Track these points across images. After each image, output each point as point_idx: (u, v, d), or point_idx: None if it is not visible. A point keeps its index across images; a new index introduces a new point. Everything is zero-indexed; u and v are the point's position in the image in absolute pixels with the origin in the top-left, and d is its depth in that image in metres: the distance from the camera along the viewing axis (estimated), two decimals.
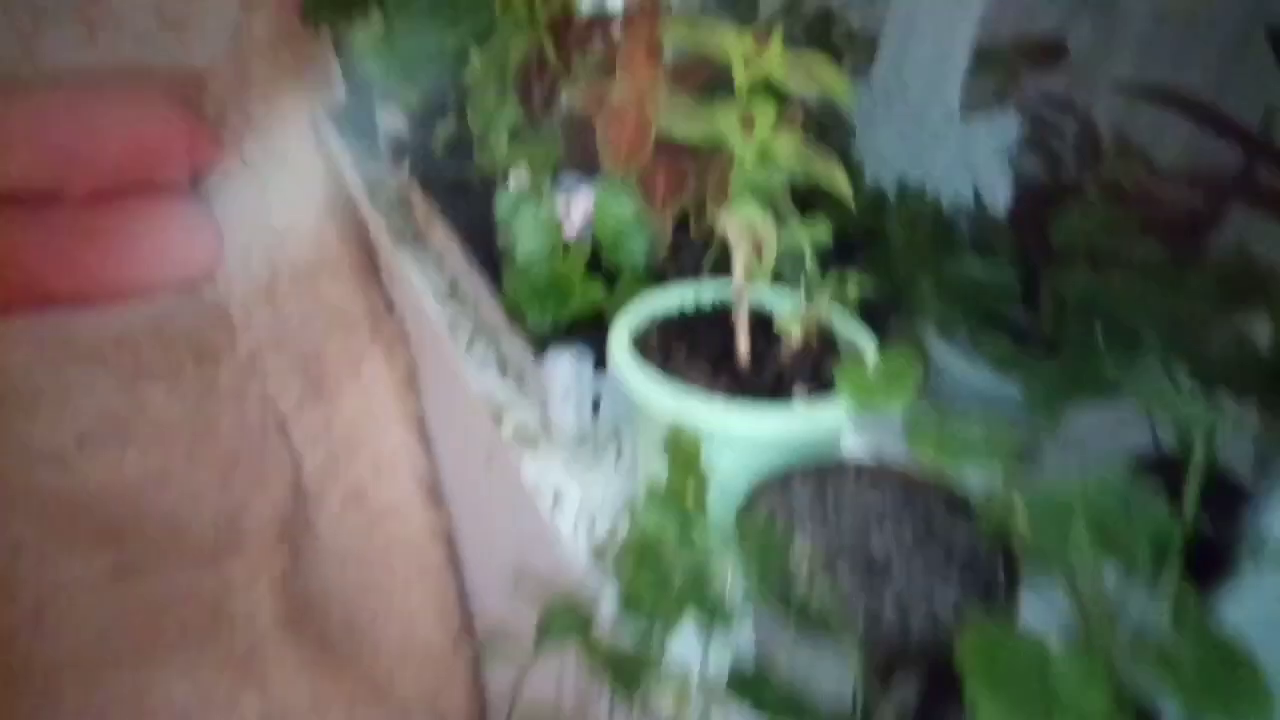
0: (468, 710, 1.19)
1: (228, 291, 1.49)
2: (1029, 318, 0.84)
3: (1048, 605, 0.48)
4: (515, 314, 0.81)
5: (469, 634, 1.22)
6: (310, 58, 1.44)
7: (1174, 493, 0.77)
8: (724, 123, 0.69)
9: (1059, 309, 0.83)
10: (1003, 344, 0.82)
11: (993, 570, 0.56)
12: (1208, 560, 0.67)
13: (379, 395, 1.32)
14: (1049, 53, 0.97)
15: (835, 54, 1.27)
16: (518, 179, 0.81)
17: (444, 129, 1.02)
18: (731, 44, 0.70)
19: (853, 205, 0.69)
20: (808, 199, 0.72)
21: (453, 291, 1.02)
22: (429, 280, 1.05)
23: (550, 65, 0.97)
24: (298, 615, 1.19)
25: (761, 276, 0.72)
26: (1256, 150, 1.00)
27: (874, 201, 0.90)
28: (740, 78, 0.68)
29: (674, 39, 0.73)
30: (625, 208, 0.76)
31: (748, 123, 0.69)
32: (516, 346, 0.83)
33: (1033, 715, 0.37)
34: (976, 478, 0.67)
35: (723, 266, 0.80)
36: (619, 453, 0.79)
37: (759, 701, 0.48)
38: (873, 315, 0.72)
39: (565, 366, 0.74)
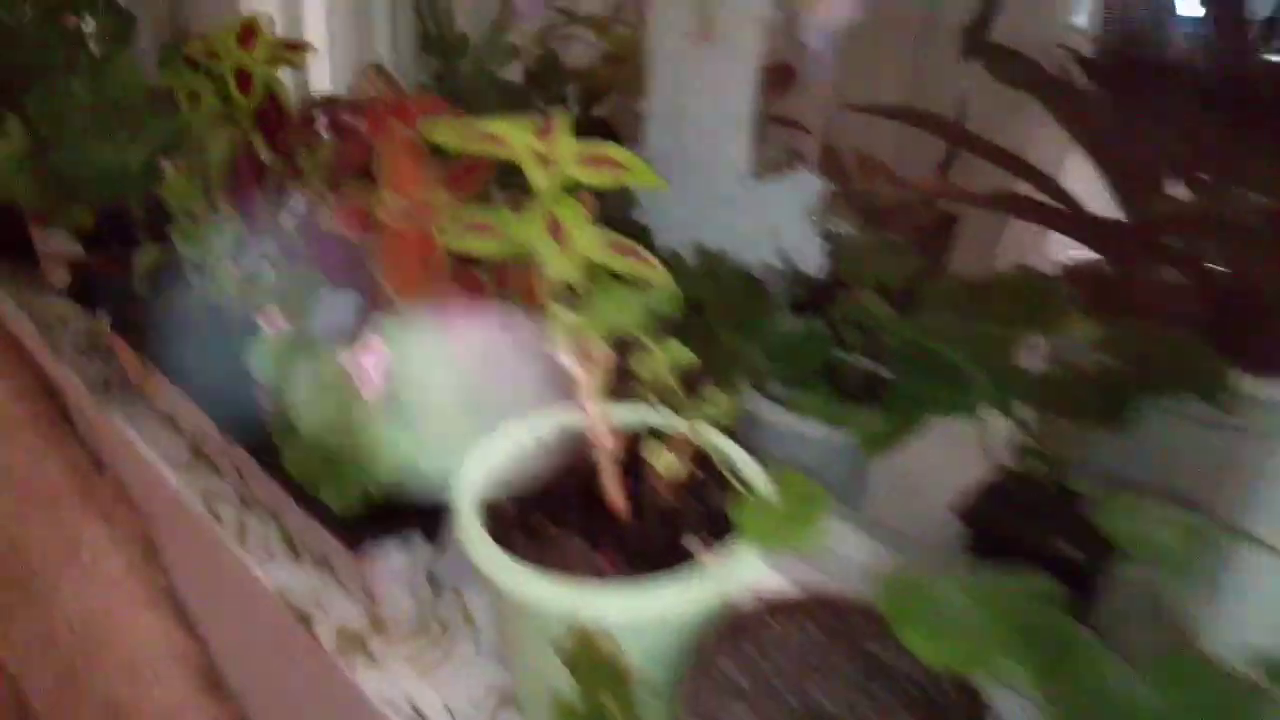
0: None
1: None
2: (845, 363, 0.82)
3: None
4: (304, 490, 0.66)
5: None
6: None
7: (1029, 510, 0.78)
8: (528, 232, 0.59)
9: (870, 349, 0.81)
10: (826, 397, 0.80)
11: (944, 695, 0.51)
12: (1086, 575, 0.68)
13: (111, 579, 1.06)
14: (780, 75, 0.96)
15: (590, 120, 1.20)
16: (271, 322, 0.65)
17: (145, 258, 0.82)
18: (516, 139, 0.60)
19: (678, 295, 0.62)
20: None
21: (197, 456, 0.83)
22: (159, 446, 0.84)
23: (268, 168, 0.81)
24: None
25: (599, 395, 0.63)
26: (962, 138, 1.06)
27: (672, 268, 0.84)
28: (539, 181, 0.58)
29: (441, 140, 0.61)
30: (425, 345, 0.63)
31: (554, 229, 0.59)
32: (311, 527, 0.68)
33: None
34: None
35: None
36: (477, 635, 0.66)
37: None
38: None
39: (396, 563, 0.60)
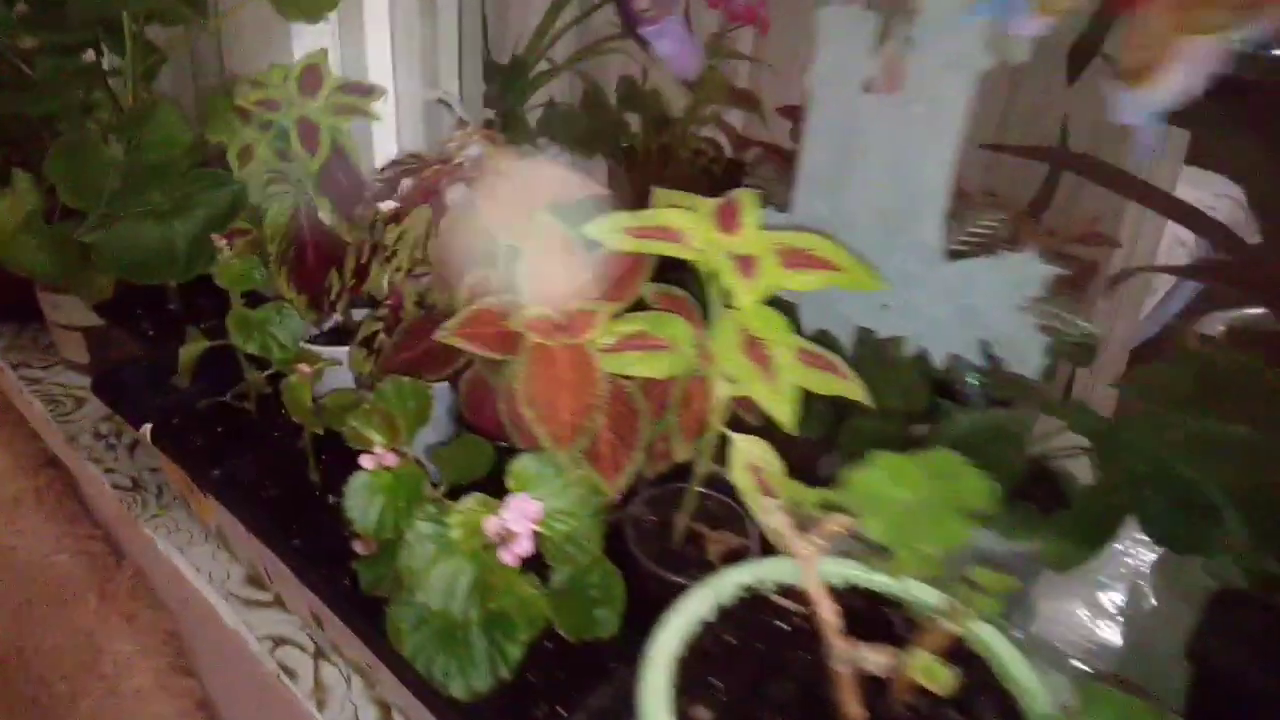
0: None
1: None
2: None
3: None
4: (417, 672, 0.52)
5: None
6: None
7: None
8: (721, 354, 0.46)
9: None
10: (1004, 504, 0.67)
11: None
12: None
13: (138, 694, 0.92)
14: None
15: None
16: (373, 455, 0.52)
17: (190, 349, 0.68)
18: (699, 234, 0.47)
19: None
20: None
21: (257, 587, 0.69)
22: (208, 570, 0.71)
23: (339, 241, 0.68)
24: None
25: (777, 536, 0.51)
26: (1117, 181, 0.94)
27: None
28: (741, 294, 0.45)
29: (602, 237, 0.48)
30: (572, 491, 0.49)
31: (753, 349, 0.46)
32: (419, 710, 0.54)
33: None
34: None
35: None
36: None
37: None
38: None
39: None
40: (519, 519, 0.45)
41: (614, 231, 0.46)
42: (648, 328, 0.49)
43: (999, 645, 0.44)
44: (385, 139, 0.82)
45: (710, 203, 0.50)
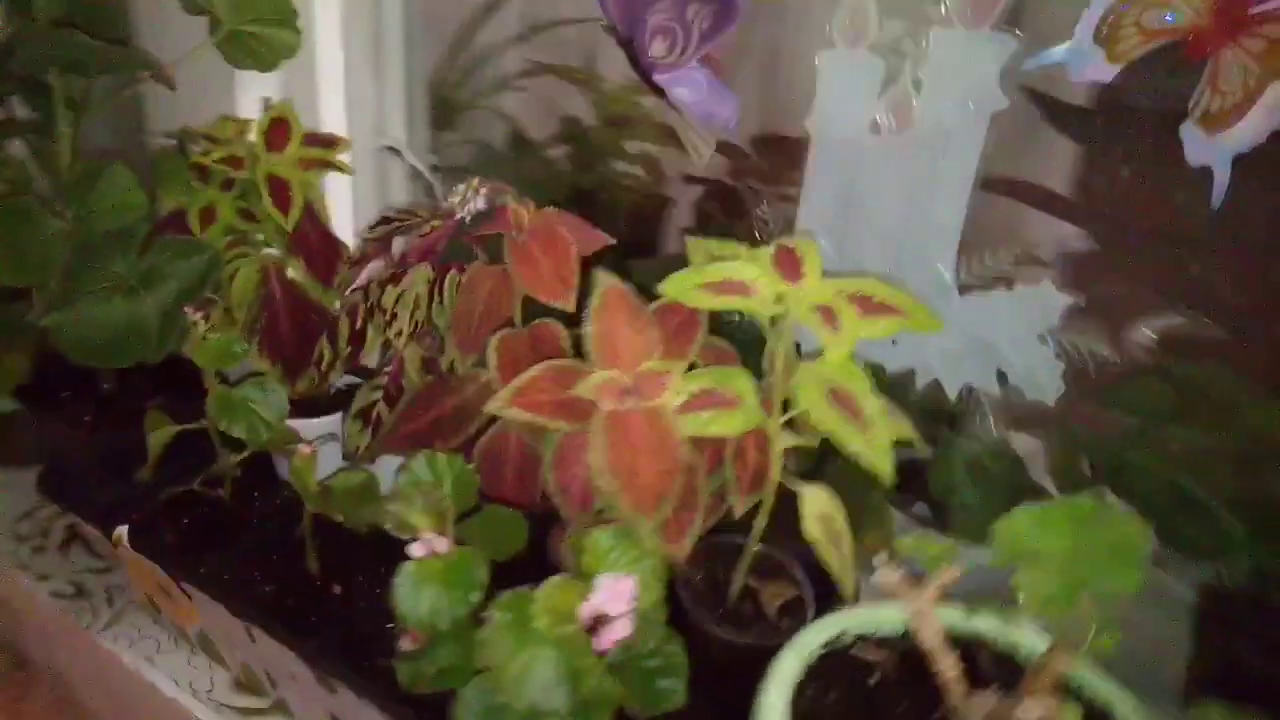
0: None
1: None
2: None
3: None
4: None
5: None
6: None
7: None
8: (812, 408, 0.45)
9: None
10: None
11: None
12: None
13: None
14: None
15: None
16: (428, 545, 0.47)
17: (157, 434, 0.60)
18: (767, 284, 0.46)
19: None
20: None
21: (248, 693, 0.62)
22: (184, 681, 0.63)
23: (319, 310, 0.63)
24: None
25: (846, 585, 0.50)
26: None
27: None
28: (834, 349, 0.44)
29: (673, 294, 0.46)
30: (646, 562, 0.47)
31: (845, 403, 0.45)
32: None
33: None
34: None
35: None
36: None
37: None
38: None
39: None
40: (615, 601, 0.42)
41: (689, 288, 0.44)
42: (714, 384, 0.47)
43: (1103, 685, 0.44)
44: (339, 191, 0.77)
45: (761, 252, 0.48)
